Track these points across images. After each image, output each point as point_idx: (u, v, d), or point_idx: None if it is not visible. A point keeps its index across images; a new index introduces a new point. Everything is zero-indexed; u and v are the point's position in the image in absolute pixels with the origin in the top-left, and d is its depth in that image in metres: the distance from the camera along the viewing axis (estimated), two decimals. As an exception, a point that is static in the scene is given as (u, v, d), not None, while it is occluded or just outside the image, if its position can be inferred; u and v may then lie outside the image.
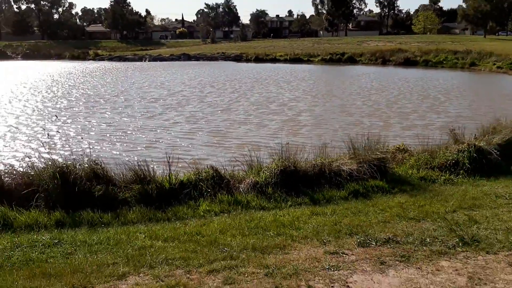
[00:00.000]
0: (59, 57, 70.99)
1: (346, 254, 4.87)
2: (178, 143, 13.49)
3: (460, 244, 4.90)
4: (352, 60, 50.76)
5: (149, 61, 59.56)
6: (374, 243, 5.14)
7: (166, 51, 71.07)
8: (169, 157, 7.70)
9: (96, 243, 5.45)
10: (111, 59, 64.48)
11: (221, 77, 34.25)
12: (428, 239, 5.14)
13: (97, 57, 67.41)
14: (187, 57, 60.89)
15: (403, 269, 4.41)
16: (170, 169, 7.66)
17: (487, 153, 8.67)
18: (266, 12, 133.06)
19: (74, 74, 39.22)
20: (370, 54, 50.72)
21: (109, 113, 19.12)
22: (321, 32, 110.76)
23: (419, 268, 4.40)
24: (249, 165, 8.49)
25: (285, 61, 52.59)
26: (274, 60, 53.55)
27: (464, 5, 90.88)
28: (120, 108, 20.35)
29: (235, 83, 29.56)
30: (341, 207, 6.79)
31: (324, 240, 5.33)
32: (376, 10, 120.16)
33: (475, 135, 11.78)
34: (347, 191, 7.58)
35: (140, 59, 61.91)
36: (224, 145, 12.76)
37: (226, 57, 58.59)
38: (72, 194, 7.17)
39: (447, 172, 8.63)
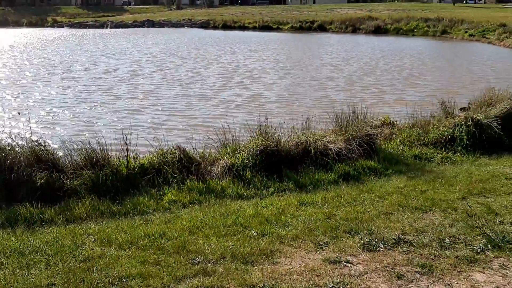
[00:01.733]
0: (16, 24, 66.69)
1: (351, 263, 3.86)
2: (137, 121, 11.91)
3: (490, 247, 3.97)
4: (322, 28, 49.40)
5: (110, 28, 56.48)
6: (382, 246, 4.15)
7: (129, 17, 67.75)
8: (126, 136, 6.44)
9: (31, 251, 4.25)
10: (70, 26, 60.90)
11: (186, 45, 32.33)
12: (447, 240, 4.19)
13: (56, 24, 63.55)
14: (151, 24, 58.07)
15: (428, 286, 3.43)
16: (128, 151, 6.43)
17: (487, 127, 7.80)
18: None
19: (25, 43, 36.40)
20: (340, 22, 49.45)
21: (55, 86, 16.85)
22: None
23: (449, 285, 3.42)
24: (223, 143, 7.35)
25: (254, 28, 50.75)
26: (243, 27, 51.59)
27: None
28: (66, 81, 17.78)
29: (201, 52, 27.67)
30: (332, 194, 5.78)
31: (320, 242, 4.30)
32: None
33: (469, 106, 11.03)
34: (336, 173, 6.56)
35: (102, 26, 58.66)
36: (190, 123, 11.31)
37: (192, 24, 56.18)
38: (8, 183, 5.90)
39: (443, 149, 7.74)
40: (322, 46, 31.27)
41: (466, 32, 36.58)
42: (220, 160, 6.84)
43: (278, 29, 50.29)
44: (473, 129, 7.73)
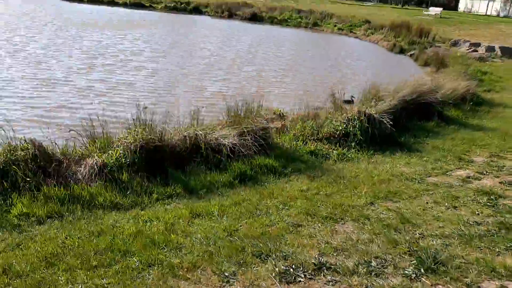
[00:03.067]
0: None
1: (270, 305, 3.00)
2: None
3: (423, 271, 3.41)
4: (197, 10, 48.22)
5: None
6: (302, 275, 3.37)
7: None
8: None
9: None
10: None
11: (42, 18, 28.39)
12: (373, 262, 3.56)
13: None
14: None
15: (371, 334, 2.72)
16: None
17: (379, 122, 7.58)
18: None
19: None
20: (215, 6, 48.74)
21: None
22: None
23: (396, 332, 2.75)
24: (92, 137, 5.99)
25: (125, 5, 47.41)
26: (112, 3, 47.89)
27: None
28: None
29: (60, 28, 24.06)
30: (229, 201, 4.88)
31: (226, 273, 3.37)
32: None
33: (351, 99, 10.95)
34: (231, 174, 5.68)
35: None
36: (45, 115, 9.32)
37: (54, -6, 50.65)
38: None
39: (337, 144, 7.33)
40: (202, 30, 30.09)
41: (335, 26, 38.38)
42: (88, 158, 5.51)
43: (150, 7, 47.79)
44: (366, 124, 7.44)
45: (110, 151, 5.54)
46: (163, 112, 7.00)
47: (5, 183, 4.85)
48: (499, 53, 21.22)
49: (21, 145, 5.29)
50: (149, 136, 5.65)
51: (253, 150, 6.34)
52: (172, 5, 49.09)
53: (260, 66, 17.14)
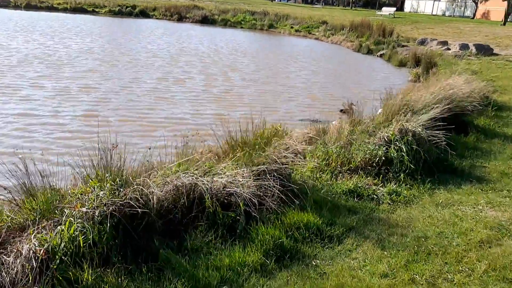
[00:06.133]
0: None
1: None
2: None
3: None
4: (144, 14, 45.44)
5: None
6: None
7: None
8: None
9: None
10: None
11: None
12: None
13: None
14: None
15: None
16: None
17: (427, 141, 5.68)
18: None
19: None
20: (164, 9, 46.13)
21: None
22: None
23: None
24: (25, 189, 3.68)
25: (65, 10, 43.94)
26: (51, 8, 44.21)
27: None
28: None
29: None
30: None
31: None
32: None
33: (351, 107, 9.04)
34: (259, 247, 3.56)
35: None
36: None
37: (-17, 1, 46.14)
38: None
39: (380, 177, 5.35)
40: (150, 34, 27.46)
41: (292, 27, 36.83)
42: (22, 238, 3.20)
43: (93, 12, 44.57)
44: (414, 146, 5.50)
45: (59, 226, 3.26)
46: (133, 145, 4.76)
47: None
48: (474, 50, 20.20)
49: None
50: (124, 195, 3.41)
51: (275, 197, 4.23)
52: (117, 9, 45.96)
53: (228, 73, 14.98)
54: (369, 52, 24.46)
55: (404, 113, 6.69)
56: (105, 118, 8.25)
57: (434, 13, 64.54)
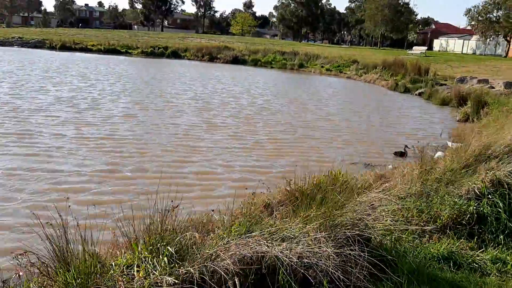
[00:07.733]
0: None
1: None
2: None
3: None
4: (176, 54, 46.05)
5: None
6: None
7: None
8: None
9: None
10: None
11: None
12: None
13: None
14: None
15: None
16: None
17: (525, 197, 4.80)
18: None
19: None
20: (195, 50, 46.69)
21: None
22: (135, 26, 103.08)
23: None
24: (58, 257, 2.99)
25: (99, 51, 44.91)
26: (85, 49, 45.27)
27: (274, 13, 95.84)
28: None
29: (26, 73, 20.90)
30: None
31: None
32: (191, 10, 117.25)
33: (405, 150, 8.22)
34: None
35: None
36: None
37: (24, 43, 47.61)
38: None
39: (473, 238, 4.48)
40: (184, 75, 27.43)
41: (322, 66, 36.48)
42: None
43: (127, 53, 45.40)
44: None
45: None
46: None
47: None
48: (519, 88, 19.21)
49: None
50: (187, 274, 2.68)
51: (364, 272, 3.42)
52: (149, 50, 46.80)
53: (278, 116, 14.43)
54: (406, 90, 23.69)
55: (485, 160, 5.85)
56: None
57: (464, 51, 63.69)
